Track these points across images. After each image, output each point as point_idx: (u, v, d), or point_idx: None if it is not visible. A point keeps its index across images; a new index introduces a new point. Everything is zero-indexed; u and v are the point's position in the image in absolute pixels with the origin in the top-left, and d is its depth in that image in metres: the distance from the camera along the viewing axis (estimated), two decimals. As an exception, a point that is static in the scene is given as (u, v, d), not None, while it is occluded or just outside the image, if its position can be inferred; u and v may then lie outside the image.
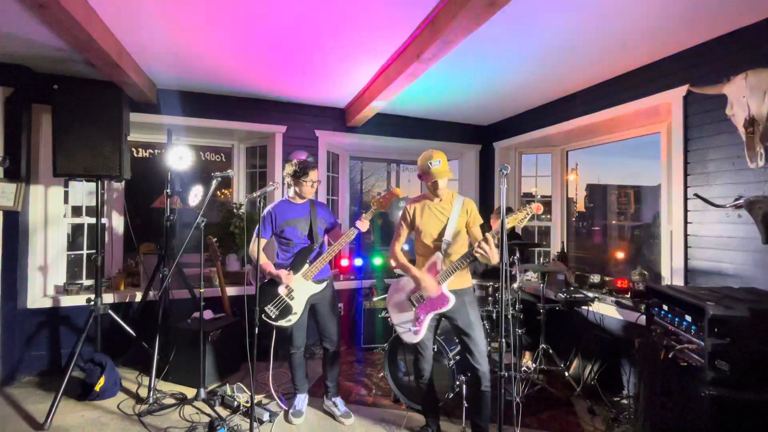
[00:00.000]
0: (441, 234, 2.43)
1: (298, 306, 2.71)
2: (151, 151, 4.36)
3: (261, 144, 4.44)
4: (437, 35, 2.34)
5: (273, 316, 2.69)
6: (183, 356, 3.26)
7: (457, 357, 2.81)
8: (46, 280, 3.56)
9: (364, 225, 2.70)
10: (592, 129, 3.76)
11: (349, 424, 2.75)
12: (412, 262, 2.55)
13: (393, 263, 2.61)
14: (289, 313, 2.69)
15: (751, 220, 2.39)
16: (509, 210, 2.41)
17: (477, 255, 2.23)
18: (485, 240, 2.20)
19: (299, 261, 2.73)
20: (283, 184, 2.93)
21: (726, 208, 2.55)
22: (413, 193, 5.77)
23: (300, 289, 2.72)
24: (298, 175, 2.75)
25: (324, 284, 2.81)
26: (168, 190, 3.44)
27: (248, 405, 2.83)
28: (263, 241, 2.76)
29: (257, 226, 2.61)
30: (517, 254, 3.26)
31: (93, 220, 3.34)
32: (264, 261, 2.70)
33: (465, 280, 2.47)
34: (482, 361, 2.35)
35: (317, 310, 2.82)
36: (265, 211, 2.79)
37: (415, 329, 2.43)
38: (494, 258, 2.22)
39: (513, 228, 2.26)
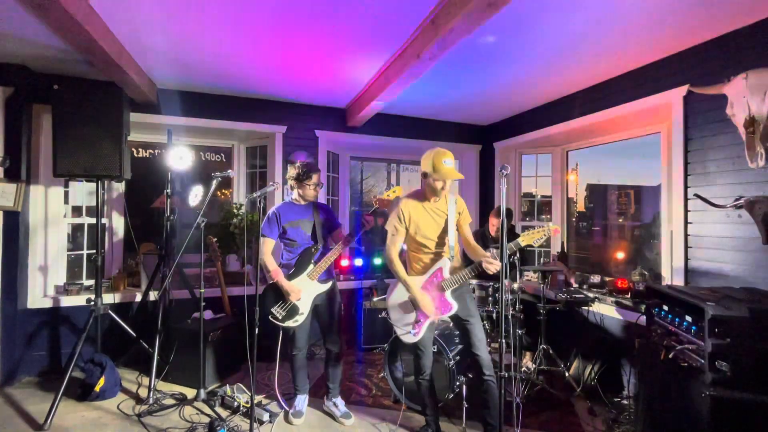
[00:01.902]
0: (441, 236, 2.40)
1: (305, 306, 2.72)
2: (151, 151, 4.36)
3: (261, 144, 4.44)
4: (437, 35, 2.34)
5: (280, 317, 2.70)
6: (183, 356, 3.26)
7: (457, 357, 2.81)
8: (46, 280, 3.56)
9: (368, 223, 2.70)
10: (592, 129, 3.76)
11: (349, 425, 2.75)
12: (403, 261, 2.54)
13: (396, 275, 2.48)
14: (295, 314, 2.70)
15: (752, 220, 2.39)
16: (509, 211, 2.41)
17: (486, 267, 2.22)
18: (493, 257, 2.22)
19: (304, 261, 2.74)
20: (285, 184, 2.93)
21: (726, 208, 2.54)
22: (413, 193, 5.76)
23: (306, 289, 2.72)
24: (302, 178, 2.76)
25: (329, 285, 2.82)
26: (168, 190, 3.44)
27: (248, 405, 2.82)
28: (272, 243, 2.77)
29: (261, 228, 2.61)
30: (518, 255, 3.26)
31: (93, 220, 3.34)
32: (274, 268, 2.70)
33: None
34: (483, 348, 2.35)
35: (321, 311, 2.82)
36: (270, 212, 2.81)
37: (414, 332, 2.42)
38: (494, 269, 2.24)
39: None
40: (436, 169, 2.27)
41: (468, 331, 2.39)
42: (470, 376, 2.84)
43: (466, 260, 2.51)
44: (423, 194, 2.46)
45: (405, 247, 2.59)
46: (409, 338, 2.45)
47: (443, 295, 2.37)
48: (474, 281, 3.36)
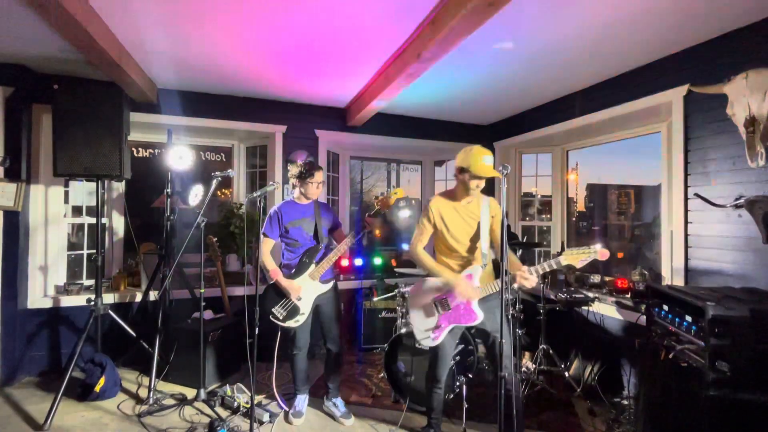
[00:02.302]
0: (472, 241, 2.31)
1: (306, 307, 2.71)
2: (151, 151, 4.35)
3: (261, 144, 4.44)
4: (437, 35, 2.34)
5: (281, 318, 2.69)
6: (183, 356, 3.26)
7: (457, 357, 2.81)
8: (46, 280, 3.56)
9: (370, 225, 2.67)
10: (592, 129, 3.76)
11: (349, 425, 2.75)
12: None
13: (425, 268, 2.37)
14: (296, 314, 2.69)
15: (752, 220, 2.39)
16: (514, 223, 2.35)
17: (521, 283, 2.11)
18: (530, 272, 2.10)
19: (305, 261, 2.74)
20: (285, 183, 2.93)
21: (726, 208, 2.54)
22: (413, 193, 5.77)
23: (307, 289, 2.72)
24: (304, 176, 2.75)
25: (330, 285, 2.82)
26: (168, 190, 3.44)
27: (248, 406, 2.82)
28: (272, 243, 2.76)
29: (262, 227, 2.60)
30: (519, 252, 3.27)
31: (93, 220, 3.34)
32: (273, 268, 2.69)
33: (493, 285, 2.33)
34: (508, 365, 2.26)
35: (322, 311, 2.82)
36: (272, 210, 2.80)
37: (434, 336, 2.32)
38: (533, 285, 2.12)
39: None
40: (473, 164, 2.15)
41: (494, 348, 2.25)
42: (470, 376, 2.84)
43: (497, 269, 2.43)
44: (454, 193, 2.34)
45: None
46: (428, 342, 2.35)
47: (469, 304, 2.26)
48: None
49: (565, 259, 2.08)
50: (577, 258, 2.05)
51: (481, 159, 2.16)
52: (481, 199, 2.34)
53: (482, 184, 2.23)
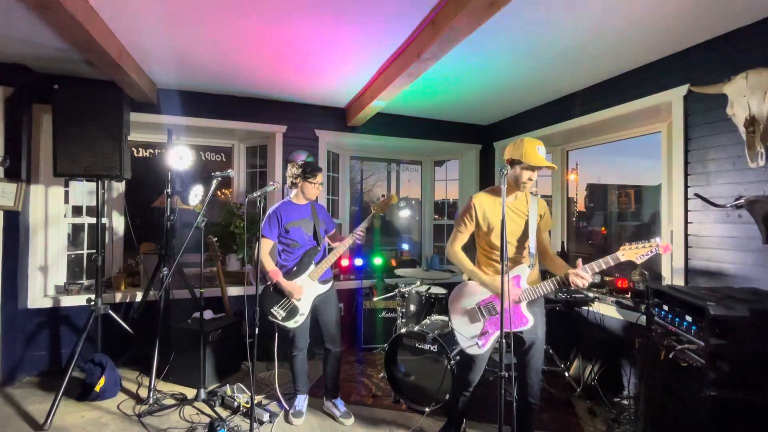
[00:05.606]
0: (520, 240, 2.21)
1: (305, 307, 2.72)
2: (151, 150, 4.36)
3: (261, 144, 4.44)
4: (437, 35, 2.34)
5: (280, 318, 2.69)
6: (183, 356, 3.26)
7: (458, 357, 2.81)
8: (46, 280, 3.56)
9: (362, 237, 2.69)
10: (592, 129, 3.76)
11: (349, 425, 2.75)
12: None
13: (462, 268, 2.27)
14: (296, 314, 2.69)
15: (752, 220, 2.39)
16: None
17: (575, 282, 2.02)
18: (585, 270, 2.02)
19: (305, 262, 2.73)
20: (285, 183, 2.92)
21: (726, 208, 2.54)
22: (414, 193, 5.77)
23: (307, 290, 2.72)
24: (306, 176, 2.74)
25: (329, 285, 2.83)
26: (168, 190, 3.44)
27: (248, 405, 2.82)
28: (271, 243, 2.75)
29: (261, 228, 2.60)
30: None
31: (93, 220, 3.34)
32: (272, 269, 2.68)
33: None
34: (536, 376, 2.25)
35: (321, 311, 2.82)
36: (271, 210, 2.78)
37: (481, 343, 2.19)
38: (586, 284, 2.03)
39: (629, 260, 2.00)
40: (527, 154, 2.04)
41: (527, 353, 2.22)
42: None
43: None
44: (497, 189, 2.18)
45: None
46: (474, 350, 2.22)
47: (518, 307, 2.15)
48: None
49: (623, 255, 1.95)
50: (636, 253, 1.93)
51: (535, 150, 2.05)
52: (530, 197, 2.24)
53: (535, 176, 2.11)
